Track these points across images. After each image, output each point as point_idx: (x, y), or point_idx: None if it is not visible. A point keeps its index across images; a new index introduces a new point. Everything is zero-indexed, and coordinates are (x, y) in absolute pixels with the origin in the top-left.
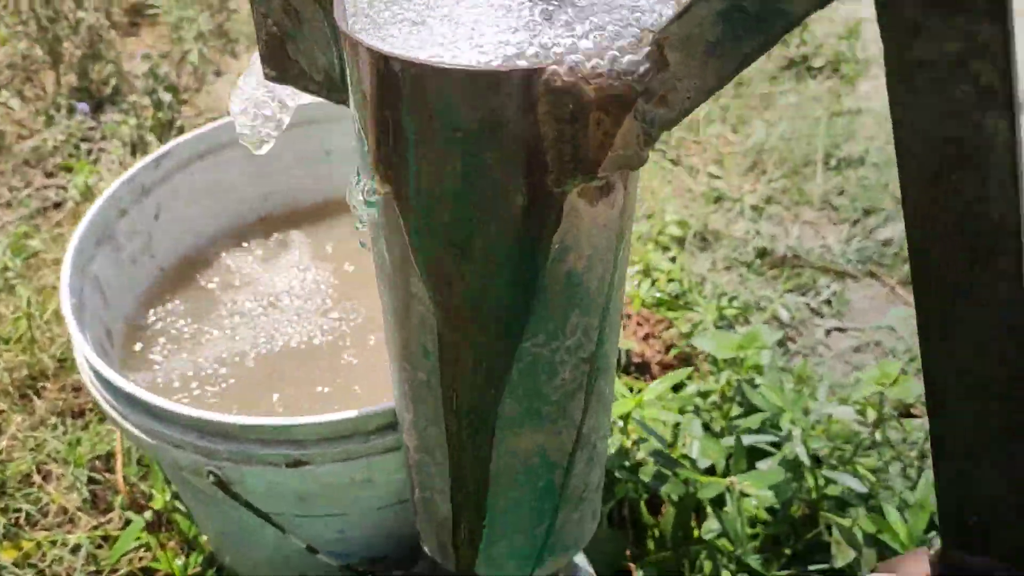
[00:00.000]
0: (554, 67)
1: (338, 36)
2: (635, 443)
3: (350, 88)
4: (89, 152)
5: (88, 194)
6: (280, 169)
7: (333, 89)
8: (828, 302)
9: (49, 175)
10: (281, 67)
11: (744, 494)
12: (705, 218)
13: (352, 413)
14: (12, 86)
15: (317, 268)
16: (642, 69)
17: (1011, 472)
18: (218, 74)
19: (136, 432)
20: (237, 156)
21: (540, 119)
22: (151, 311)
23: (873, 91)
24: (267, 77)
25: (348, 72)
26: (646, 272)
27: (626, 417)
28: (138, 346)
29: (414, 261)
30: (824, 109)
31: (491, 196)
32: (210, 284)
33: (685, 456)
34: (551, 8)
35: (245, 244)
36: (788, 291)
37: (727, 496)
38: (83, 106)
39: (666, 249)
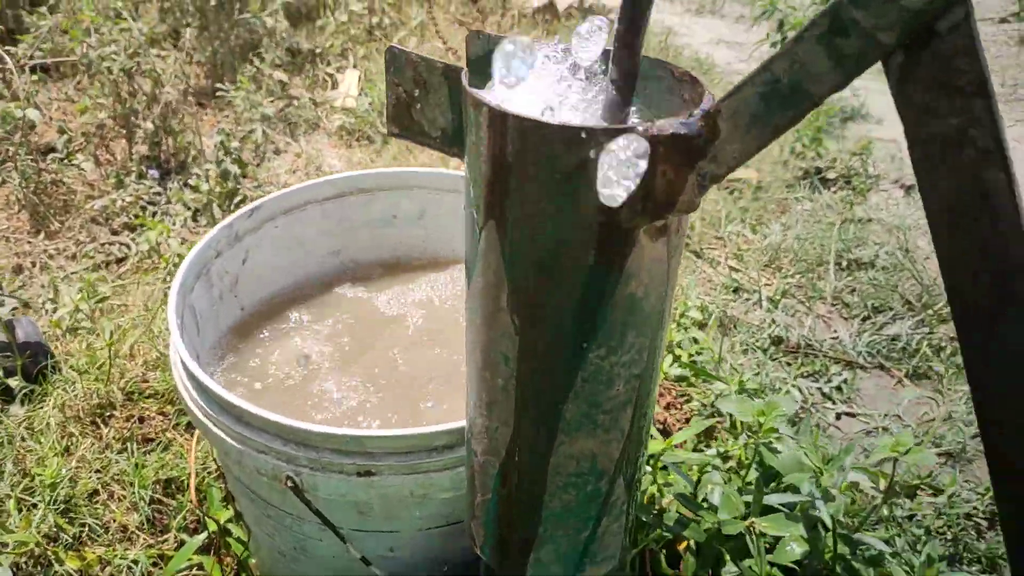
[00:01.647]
0: (635, 127)
1: (459, 99)
2: (661, 486)
3: (467, 139)
4: (154, 215)
5: (154, 251)
6: (350, 229)
7: (447, 143)
8: (839, 388)
9: (115, 232)
10: (404, 125)
11: (762, 534)
12: (725, 305)
13: (419, 430)
14: (87, 151)
15: (374, 317)
16: (697, 132)
17: None
18: (277, 152)
19: (224, 436)
20: (320, 213)
21: None
22: (233, 343)
23: (883, 202)
24: (390, 133)
25: (466, 126)
26: (668, 349)
27: (656, 457)
28: (222, 369)
29: (505, 279)
30: (837, 215)
31: (575, 227)
32: (283, 324)
33: (707, 502)
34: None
35: (317, 292)
36: (801, 376)
37: (747, 539)
38: (153, 172)
39: (687, 330)
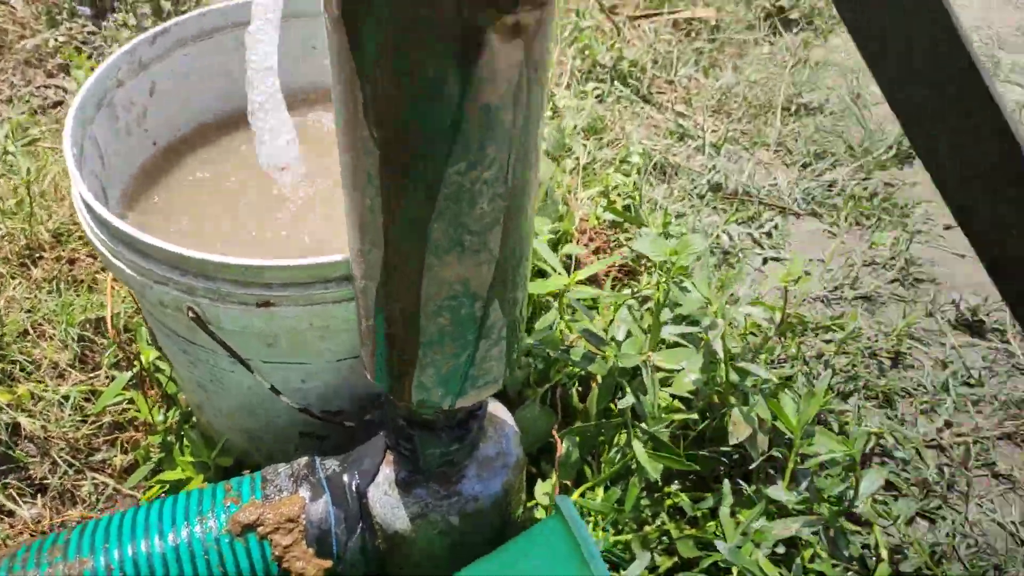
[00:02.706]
0: None
1: None
2: (568, 322)
3: None
4: (89, 56)
5: None
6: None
7: None
8: (768, 234)
9: (49, 75)
10: None
11: (658, 368)
12: (666, 151)
13: (315, 260)
14: None
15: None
16: None
17: None
18: None
19: (125, 269)
20: (233, 42)
21: None
22: (142, 182)
23: (842, 44)
24: None
25: None
26: (604, 193)
27: (560, 295)
28: (133, 209)
29: (360, 88)
30: (792, 58)
31: (426, 26)
32: (199, 161)
33: (614, 339)
34: None
35: (233, 126)
36: (734, 222)
37: (643, 370)
38: (84, 9)
39: (626, 176)
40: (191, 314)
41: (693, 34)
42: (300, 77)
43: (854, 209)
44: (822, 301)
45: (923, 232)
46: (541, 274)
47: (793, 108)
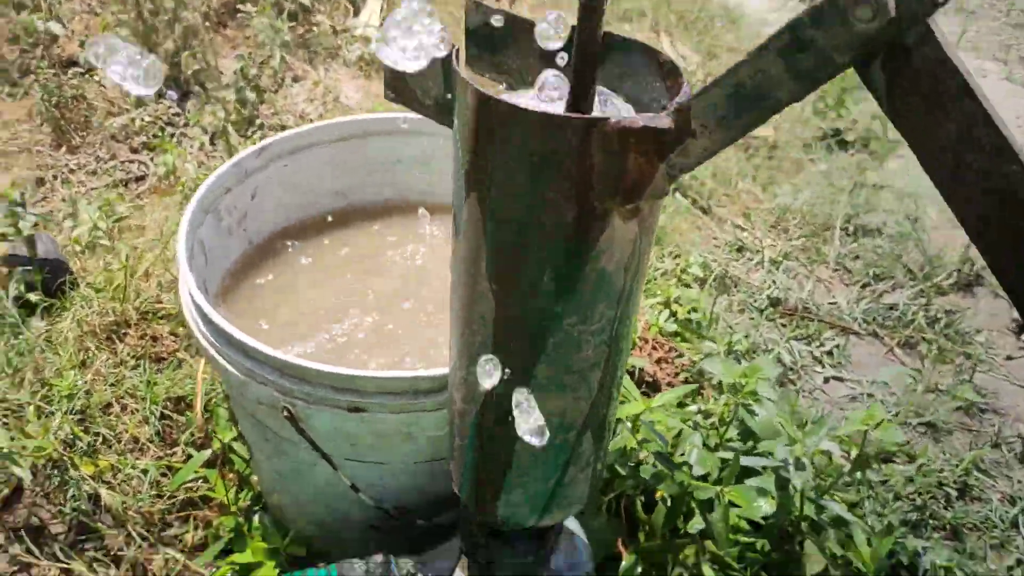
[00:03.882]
0: (608, 119)
1: (451, 76)
2: (640, 443)
3: (456, 114)
4: (172, 136)
5: (171, 173)
6: (354, 171)
7: (438, 114)
8: (830, 353)
9: (134, 151)
10: (399, 91)
11: (732, 503)
12: (727, 264)
13: (408, 373)
14: None
15: (378, 255)
16: (667, 127)
17: None
18: (295, 80)
19: (229, 367)
20: (326, 156)
21: (593, 152)
22: (237, 275)
23: (899, 169)
24: (387, 97)
25: (456, 103)
26: (666, 304)
27: (635, 418)
28: (228, 300)
29: (484, 248)
30: (850, 179)
31: (551, 206)
32: (291, 258)
33: (683, 462)
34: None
35: (322, 229)
36: (794, 338)
37: (716, 501)
38: (172, 93)
39: (687, 287)
40: (285, 413)
41: (752, 150)
42: (389, 189)
43: (915, 333)
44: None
45: (985, 361)
46: None
47: (851, 228)
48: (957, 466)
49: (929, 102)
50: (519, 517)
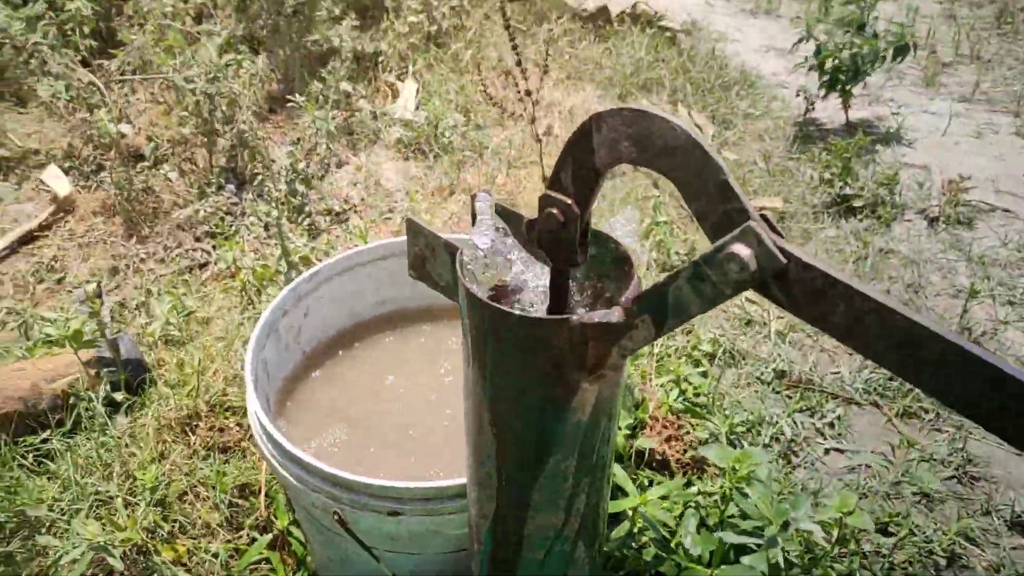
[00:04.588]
0: (571, 318)
1: (455, 271)
2: (639, 531)
3: (460, 307)
4: (231, 225)
5: (233, 266)
6: (392, 285)
7: (451, 293)
8: (831, 424)
9: (197, 240)
10: (421, 273)
11: None
12: (735, 339)
13: (436, 483)
14: (172, 161)
15: (417, 360)
16: (615, 322)
17: None
18: (339, 165)
19: (289, 478)
20: (366, 273)
21: (563, 342)
22: (292, 382)
23: (904, 233)
24: (411, 275)
25: (460, 301)
26: (676, 382)
27: (634, 510)
28: (287, 405)
29: (485, 405)
30: (856, 247)
31: (535, 377)
32: (339, 366)
33: (681, 545)
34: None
35: (359, 335)
36: (798, 411)
37: None
38: (231, 185)
39: (697, 364)
40: (336, 516)
41: None
42: (424, 297)
43: (913, 402)
44: (883, 497)
45: (979, 429)
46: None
47: None
48: (945, 535)
49: (813, 296)
50: None
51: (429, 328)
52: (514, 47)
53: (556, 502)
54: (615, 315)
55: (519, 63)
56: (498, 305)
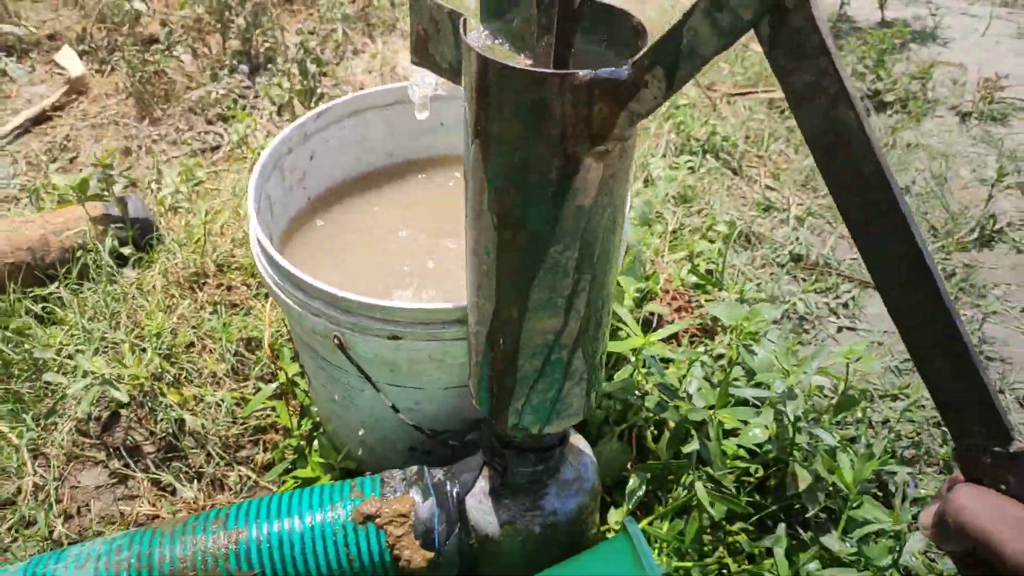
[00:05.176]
0: (577, 73)
1: (459, 42)
2: (645, 375)
3: (463, 75)
4: (244, 107)
5: (243, 141)
6: (403, 133)
7: (454, 75)
8: (845, 305)
9: (209, 123)
10: (422, 56)
11: (730, 432)
12: (752, 222)
13: (437, 305)
14: (185, 43)
15: (420, 204)
16: (625, 78)
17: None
18: (355, 52)
19: (289, 302)
20: (377, 119)
21: (567, 106)
22: (296, 225)
23: (935, 128)
24: (412, 62)
25: (463, 65)
26: (689, 258)
27: (637, 351)
28: (289, 245)
29: (486, 187)
30: (888, 138)
31: (537, 149)
32: (345, 212)
33: (686, 393)
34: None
35: (366, 182)
36: (813, 292)
37: (708, 423)
38: (243, 67)
39: (712, 242)
40: (336, 341)
41: (786, 112)
42: (432, 148)
43: None
44: (893, 372)
45: (999, 313)
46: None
47: None
48: None
49: (793, 55)
50: (525, 424)
51: (439, 178)
52: None
53: (555, 301)
54: (625, 71)
55: None
56: (502, 60)
